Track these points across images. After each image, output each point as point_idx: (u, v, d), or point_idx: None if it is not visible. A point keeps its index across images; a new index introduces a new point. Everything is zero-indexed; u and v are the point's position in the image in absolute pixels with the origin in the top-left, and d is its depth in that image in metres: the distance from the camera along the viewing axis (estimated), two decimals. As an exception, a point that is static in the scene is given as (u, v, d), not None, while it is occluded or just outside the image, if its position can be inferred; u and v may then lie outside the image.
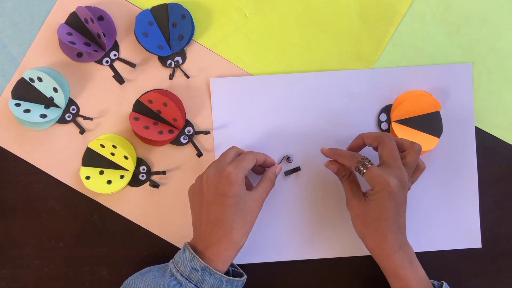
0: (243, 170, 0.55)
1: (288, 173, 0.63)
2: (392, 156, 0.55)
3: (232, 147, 0.59)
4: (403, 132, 0.62)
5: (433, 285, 0.56)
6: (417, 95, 0.62)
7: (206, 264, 0.52)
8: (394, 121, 0.63)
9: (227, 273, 0.57)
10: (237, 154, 0.58)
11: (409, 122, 0.62)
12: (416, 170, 0.58)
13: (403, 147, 0.57)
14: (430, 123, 0.62)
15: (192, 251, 0.53)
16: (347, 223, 0.64)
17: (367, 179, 0.55)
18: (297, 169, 0.63)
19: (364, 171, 0.55)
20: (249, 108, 0.64)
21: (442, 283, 0.56)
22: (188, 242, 0.55)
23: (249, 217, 0.54)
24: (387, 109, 0.64)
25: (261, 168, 0.61)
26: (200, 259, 0.52)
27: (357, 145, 0.60)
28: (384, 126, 0.64)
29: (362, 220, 0.55)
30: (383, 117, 0.64)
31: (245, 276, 0.57)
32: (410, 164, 0.56)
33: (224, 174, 0.54)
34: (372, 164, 0.55)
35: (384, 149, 0.55)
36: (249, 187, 0.59)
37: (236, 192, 0.54)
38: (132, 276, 0.56)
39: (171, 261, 0.55)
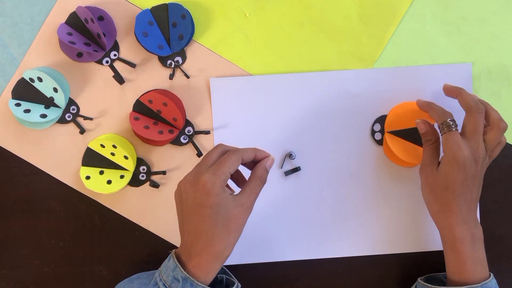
0: (221, 177, 0.49)
1: (288, 173, 0.63)
2: (475, 130, 0.54)
3: (218, 145, 0.52)
4: (396, 144, 0.62)
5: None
6: (412, 109, 0.62)
7: (188, 275, 0.49)
8: (388, 132, 0.62)
9: (220, 281, 0.55)
10: (222, 153, 0.52)
11: (402, 134, 0.62)
12: (498, 144, 0.57)
13: (488, 121, 0.57)
14: None
15: (175, 259, 0.50)
16: (346, 223, 0.64)
17: (444, 142, 0.54)
18: (297, 169, 0.63)
19: (446, 132, 0.54)
20: (249, 108, 0.64)
21: (490, 274, 0.55)
22: (175, 250, 0.52)
23: (233, 225, 0.49)
24: (381, 120, 0.63)
25: (255, 164, 0.55)
26: (181, 269, 0.49)
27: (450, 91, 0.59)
28: (377, 136, 0.63)
29: (430, 187, 0.55)
30: (377, 127, 0.63)
31: (237, 284, 0.55)
32: (490, 142, 0.55)
33: (200, 184, 0.48)
34: (457, 129, 0.54)
35: (470, 121, 0.55)
36: (242, 182, 0.55)
37: (214, 202, 0.48)
38: (122, 281, 0.56)
39: (158, 269, 0.52)
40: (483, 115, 0.55)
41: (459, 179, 0.53)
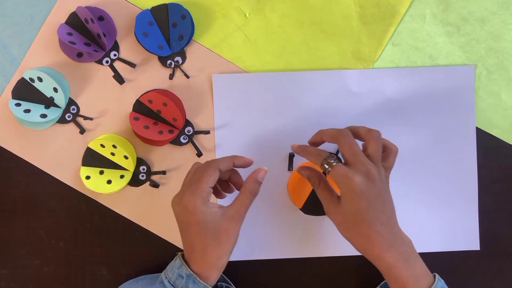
0: (201, 194, 0.51)
1: (290, 169, 0.63)
2: (352, 152, 0.51)
3: (194, 164, 0.55)
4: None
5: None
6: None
7: (191, 272, 0.51)
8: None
9: None
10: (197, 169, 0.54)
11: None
12: (388, 154, 0.55)
13: (362, 138, 0.54)
14: None
15: (181, 259, 0.53)
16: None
17: (333, 180, 0.51)
18: (291, 156, 0.63)
19: (329, 169, 0.51)
20: (250, 106, 0.63)
21: (434, 275, 0.52)
22: (181, 253, 0.55)
23: (224, 236, 0.51)
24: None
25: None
26: (186, 267, 0.52)
27: (316, 142, 0.56)
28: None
29: (343, 226, 0.51)
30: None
31: None
32: (374, 154, 0.52)
33: (182, 205, 0.51)
34: (337, 162, 0.51)
35: (342, 147, 0.52)
36: (239, 184, 0.56)
37: (198, 219, 0.50)
38: (126, 282, 0.57)
39: (164, 270, 0.55)
40: (351, 136, 0.52)
41: (363, 207, 0.49)
